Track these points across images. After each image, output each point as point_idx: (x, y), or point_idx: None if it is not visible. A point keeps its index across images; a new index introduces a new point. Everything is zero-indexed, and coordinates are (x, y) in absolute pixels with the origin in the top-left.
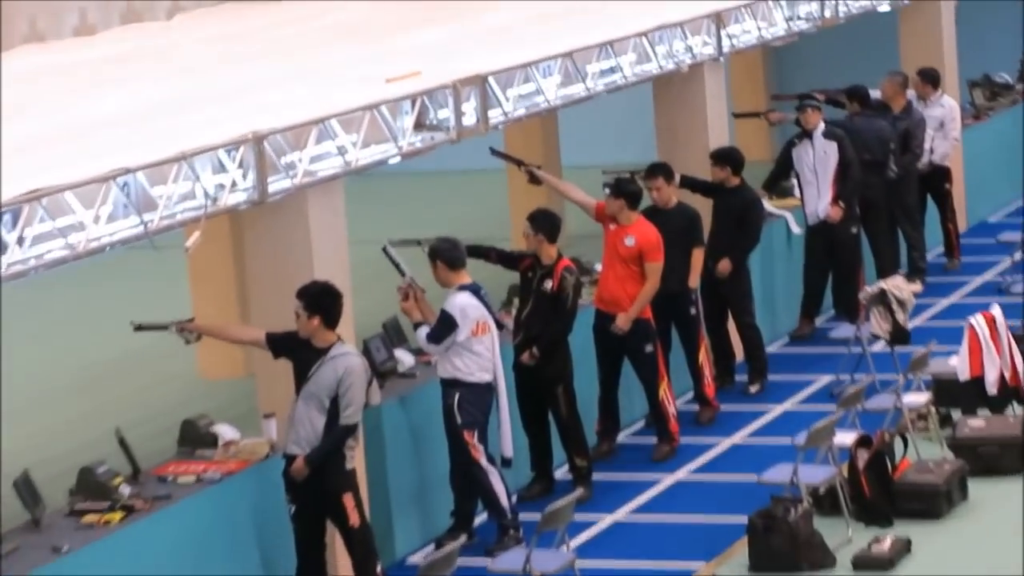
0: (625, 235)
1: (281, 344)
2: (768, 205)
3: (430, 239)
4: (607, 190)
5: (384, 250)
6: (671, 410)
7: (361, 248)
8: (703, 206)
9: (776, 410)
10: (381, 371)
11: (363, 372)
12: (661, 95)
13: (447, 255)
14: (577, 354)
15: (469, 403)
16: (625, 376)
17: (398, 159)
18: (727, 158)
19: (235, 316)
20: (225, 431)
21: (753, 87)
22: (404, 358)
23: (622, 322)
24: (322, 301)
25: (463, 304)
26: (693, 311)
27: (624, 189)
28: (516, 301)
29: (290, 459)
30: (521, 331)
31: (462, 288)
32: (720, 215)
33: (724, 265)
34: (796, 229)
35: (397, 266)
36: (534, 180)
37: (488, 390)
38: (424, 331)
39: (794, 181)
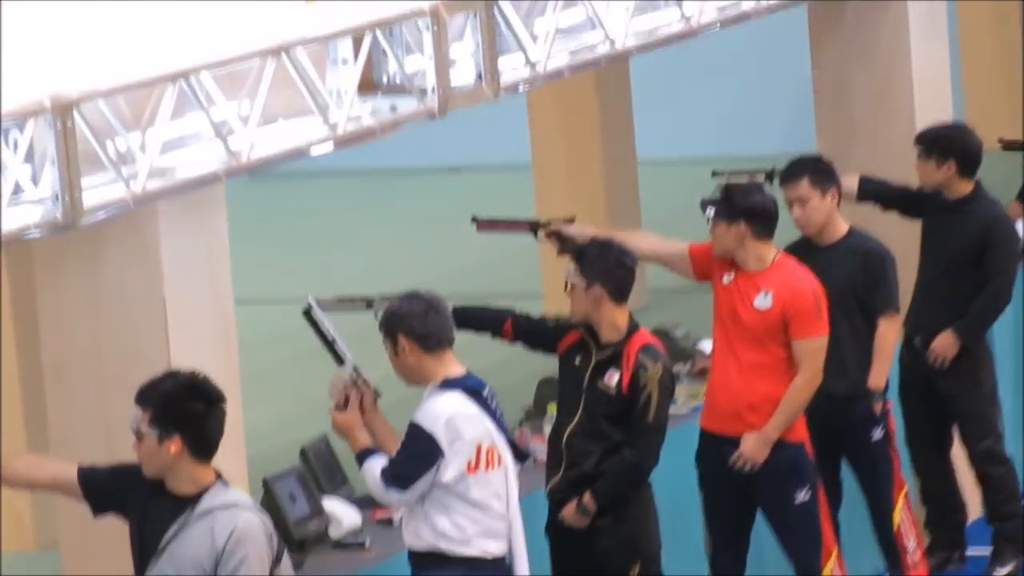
0: (755, 290)
1: (106, 488)
2: None
3: (387, 298)
4: (710, 212)
5: (307, 314)
6: None
7: (262, 312)
8: (904, 235)
9: None
10: (299, 538)
11: (263, 540)
12: (823, 34)
13: (419, 326)
14: (666, 508)
15: None
16: (759, 546)
17: (329, 148)
18: (948, 146)
19: (18, 437)
20: None
21: (1004, 17)
22: (342, 513)
23: (752, 449)
24: (186, 410)
25: (452, 414)
26: (880, 432)
27: (743, 204)
28: (552, 409)
29: None
30: (563, 465)
31: (449, 385)
32: (935, 251)
33: (945, 344)
34: None
35: (330, 345)
36: (566, 247)
37: (498, 572)
38: (379, 465)
39: None
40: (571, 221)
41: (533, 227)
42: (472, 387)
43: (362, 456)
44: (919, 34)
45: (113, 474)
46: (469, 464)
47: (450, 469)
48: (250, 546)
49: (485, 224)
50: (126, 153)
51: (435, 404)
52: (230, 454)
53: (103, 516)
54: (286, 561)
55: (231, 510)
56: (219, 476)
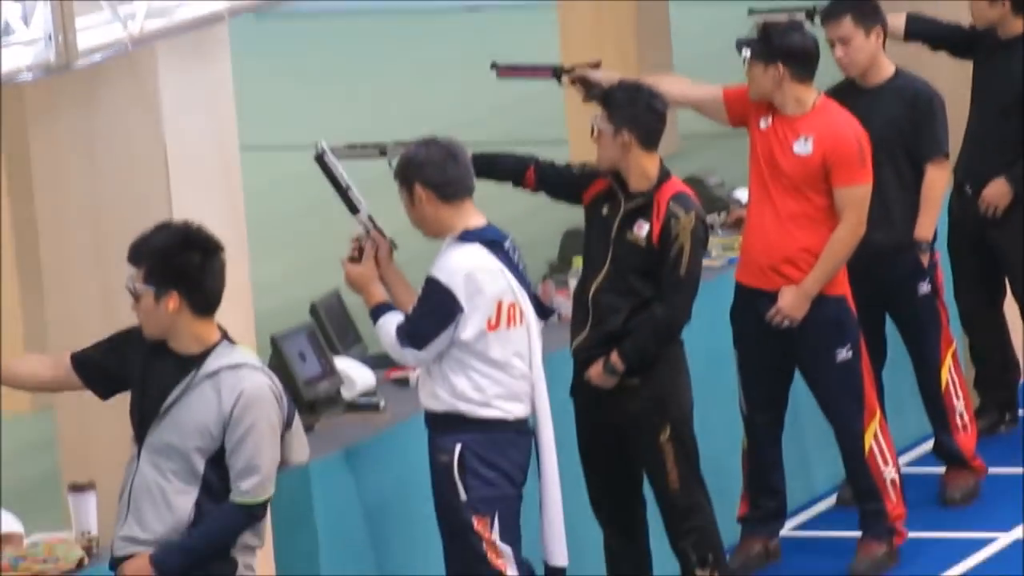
0: (794, 135)
1: (104, 365)
2: None
3: (402, 144)
4: (746, 53)
5: (318, 159)
6: (887, 475)
7: (269, 158)
8: (954, 77)
9: None
10: (309, 399)
11: (273, 402)
12: None
13: (437, 174)
14: (699, 366)
15: (483, 462)
16: (796, 407)
17: None
18: None
19: (12, 293)
20: (2, 520)
21: None
22: (355, 373)
23: (790, 303)
24: (181, 263)
25: (471, 268)
26: (927, 286)
27: (781, 44)
28: (578, 262)
29: (121, 564)
30: (589, 322)
31: (468, 237)
32: (987, 93)
33: (997, 192)
34: None
35: (343, 192)
36: (592, 93)
37: (520, 435)
38: (394, 322)
39: None
40: (597, 66)
41: (557, 73)
42: (493, 239)
43: (377, 312)
44: None
45: (107, 349)
46: (489, 321)
47: (469, 326)
48: (259, 410)
49: (506, 70)
50: None
51: (453, 257)
52: (236, 310)
53: (111, 397)
54: (297, 424)
55: (238, 371)
56: (224, 334)
